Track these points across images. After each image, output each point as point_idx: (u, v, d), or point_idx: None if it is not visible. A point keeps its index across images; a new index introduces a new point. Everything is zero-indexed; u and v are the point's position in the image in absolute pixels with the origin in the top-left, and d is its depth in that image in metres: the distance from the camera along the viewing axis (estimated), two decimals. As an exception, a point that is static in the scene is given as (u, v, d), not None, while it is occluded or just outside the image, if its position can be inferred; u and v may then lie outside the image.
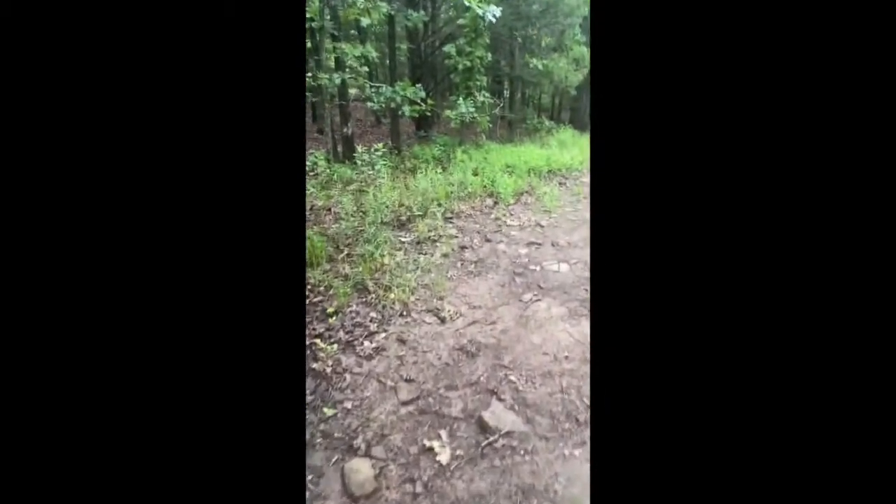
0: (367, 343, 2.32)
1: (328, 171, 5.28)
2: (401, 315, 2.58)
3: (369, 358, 2.22)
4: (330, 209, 4.20)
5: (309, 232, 3.56)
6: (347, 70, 5.18)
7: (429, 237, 3.61)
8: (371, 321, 2.51)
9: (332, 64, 5.85)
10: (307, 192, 4.58)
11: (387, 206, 4.04)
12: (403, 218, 3.97)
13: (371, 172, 4.99)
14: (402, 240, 3.58)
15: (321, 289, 2.75)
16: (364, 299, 2.70)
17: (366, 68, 5.98)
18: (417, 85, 5.73)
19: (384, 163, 4.83)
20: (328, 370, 2.12)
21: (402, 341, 2.35)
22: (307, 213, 4.12)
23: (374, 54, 5.09)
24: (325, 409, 1.86)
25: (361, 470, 1.59)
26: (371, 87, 5.61)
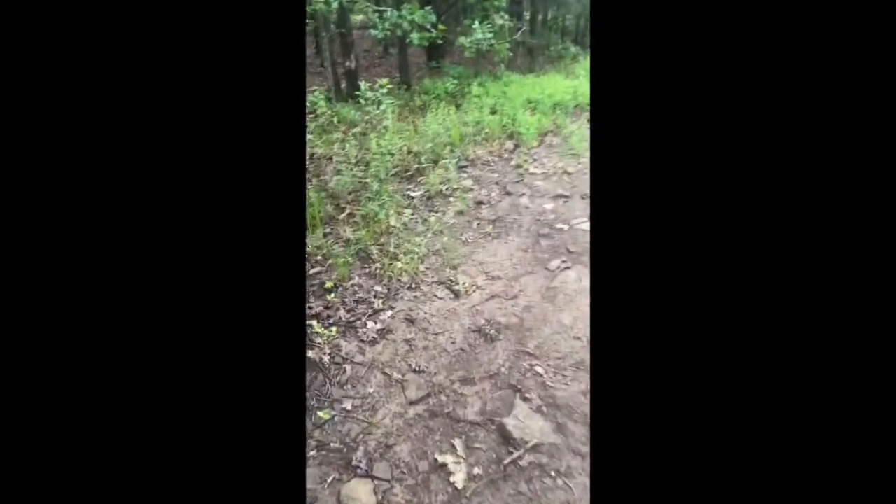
0: (370, 324, 2.03)
1: (329, 112, 4.78)
2: (409, 288, 2.26)
3: (373, 343, 1.94)
4: (331, 158, 3.79)
5: (309, 187, 3.19)
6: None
7: (440, 191, 3.21)
8: (375, 297, 2.20)
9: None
10: (307, 137, 4.15)
11: (392, 155, 3.60)
12: (412, 168, 3.54)
13: (377, 113, 4.48)
14: (411, 195, 3.19)
15: (319, 257, 2.43)
16: (367, 270, 2.38)
17: None
18: (427, 8, 5.02)
19: (390, 101, 4.30)
20: (325, 359, 1.84)
21: (410, 321, 2.05)
22: (307, 161, 3.72)
23: (375, -29, 4.37)
24: (321, 413, 1.60)
25: (360, 497, 1.34)
26: (374, 11, 4.94)
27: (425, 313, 2.10)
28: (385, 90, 4.33)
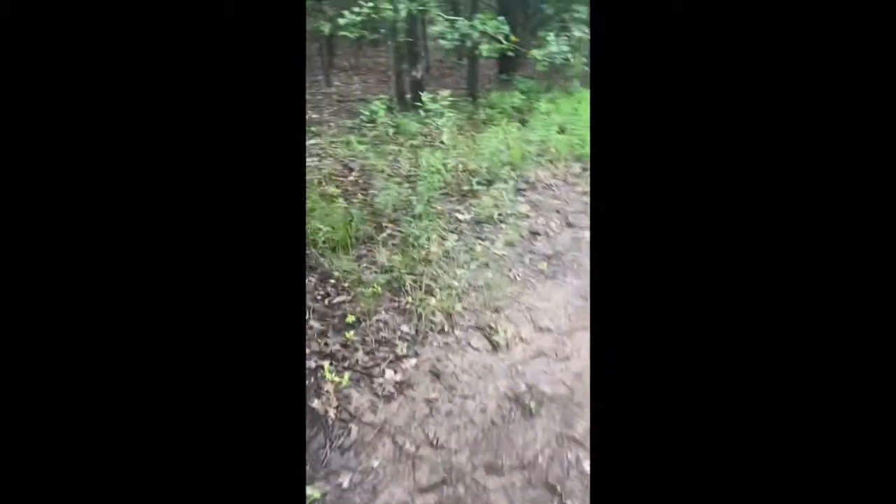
0: (389, 373, 1.74)
1: (388, 122, 4.63)
2: (441, 331, 1.95)
3: (388, 399, 1.64)
4: (382, 171, 3.58)
5: (353, 201, 2.99)
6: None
7: (493, 215, 2.88)
8: (401, 338, 1.91)
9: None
10: (360, 148, 3.99)
11: (443, 172, 3.33)
12: (465, 187, 3.24)
13: (436, 125, 4.25)
14: (459, 217, 2.89)
15: (347, 284, 2.18)
16: (397, 303, 2.10)
17: None
18: (501, 18, 4.74)
19: (451, 114, 4.05)
20: (331, 414, 1.57)
21: (435, 375, 1.74)
22: (357, 173, 3.55)
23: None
24: (312, 490, 1.32)
25: None
26: (445, 19, 4.74)
27: (455, 367, 1.78)
28: (447, 102, 4.10)
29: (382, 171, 3.55)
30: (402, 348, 1.85)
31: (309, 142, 4.45)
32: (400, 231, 2.58)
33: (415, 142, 4.24)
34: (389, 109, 4.93)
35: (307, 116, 5.68)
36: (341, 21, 4.03)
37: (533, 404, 1.61)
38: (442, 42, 4.76)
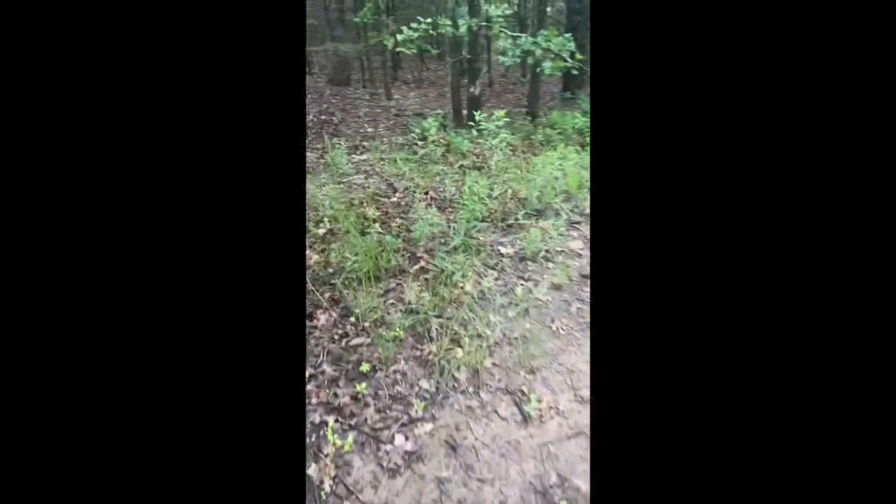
0: (399, 440, 1.52)
1: (439, 140, 4.47)
2: (463, 392, 1.71)
3: (393, 473, 1.42)
4: (427, 193, 3.41)
5: (392, 225, 2.82)
6: (481, 16, 4.16)
7: (539, 251, 2.60)
8: (418, 395, 1.68)
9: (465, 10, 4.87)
10: (407, 167, 3.85)
11: (492, 197, 3.09)
12: (511, 217, 2.99)
13: (489, 145, 4.03)
14: (502, 251, 2.63)
15: (367, 324, 2.00)
16: (419, 352, 1.88)
17: (505, 9, 4.88)
18: (567, 35, 4.47)
19: (505, 135, 3.82)
20: (326, 485, 1.37)
21: (452, 448, 1.50)
22: (400, 194, 3.40)
23: (511, -7, 3.96)
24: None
25: None
26: (507, 36, 4.54)
27: (475, 439, 1.52)
28: (501, 121, 3.87)
29: (427, 193, 3.38)
30: (417, 409, 1.62)
31: (360, 157, 4.39)
32: (434, 265, 2.37)
33: (465, 162, 4.05)
34: (442, 127, 4.79)
35: (363, 130, 5.69)
36: (399, 37, 3.94)
37: (566, 495, 1.32)
38: (502, 59, 4.56)
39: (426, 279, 2.31)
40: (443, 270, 2.30)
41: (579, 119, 5.14)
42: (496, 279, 2.35)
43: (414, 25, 3.89)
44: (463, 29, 4.01)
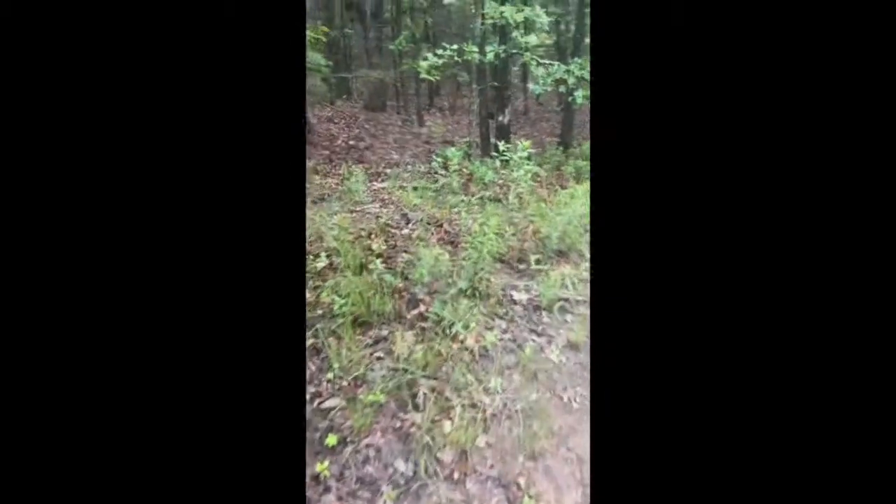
0: (357, 541, 1.23)
1: (461, 170, 4.26)
2: (446, 478, 1.41)
3: (342, 591, 1.12)
4: (441, 225, 3.18)
5: (398, 261, 2.59)
6: (510, 43, 3.98)
7: (557, 300, 2.28)
8: (391, 480, 1.40)
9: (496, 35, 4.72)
10: (422, 197, 3.65)
11: (509, 234, 2.82)
12: (529, 258, 2.69)
13: (515, 176, 3.78)
14: (514, 297, 2.34)
15: (346, 382, 1.74)
16: (400, 423, 1.60)
17: (543, 38, 4.69)
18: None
19: (529, 166, 3.55)
20: None
21: (421, 559, 1.19)
22: (413, 226, 3.18)
23: (543, 19, 3.76)
24: None
25: None
26: (538, 63, 4.33)
27: (452, 550, 1.21)
28: (525, 152, 3.62)
29: (440, 227, 3.14)
30: (387, 499, 1.33)
31: (379, 185, 4.23)
32: (435, 312, 2.10)
33: (487, 194, 3.80)
34: (467, 156, 4.59)
35: (388, 157, 5.58)
36: (423, 63, 3.81)
37: None
38: (532, 87, 4.35)
39: (423, 328, 2.04)
40: (441, 319, 2.03)
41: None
42: (503, 332, 2.05)
43: (439, 52, 3.75)
44: (490, 56, 3.83)
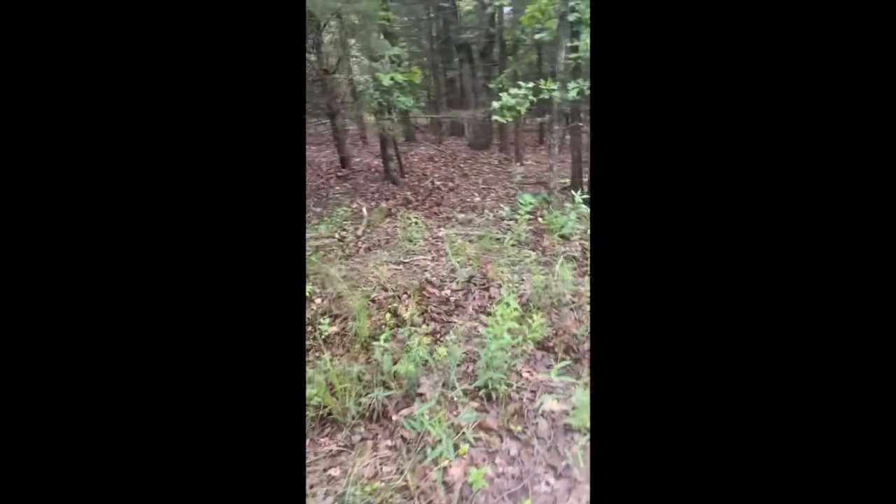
0: None
1: (532, 219, 3.74)
2: None
3: None
4: (488, 288, 2.71)
5: (417, 334, 2.20)
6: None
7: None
8: None
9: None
10: (491, 248, 3.21)
11: (572, 307, 2.23)
12: (582, 346, 2.08)
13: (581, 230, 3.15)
14: (545, 408, 1.76)
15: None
16: None
17: None
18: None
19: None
20: None
21: None
22: (453, 285, 2.77)
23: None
24: None
25: None
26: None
27: None
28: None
29: (486, 290, 2.67)
30: None
31: (446, 231, 3.91)
32: (413, 424, 1.63)
33: (563, 250, 3.23)
34: (545, 202, 4.05)
35: (469, 199, 5.27)
36: (496, 104, 3.44)
37: None
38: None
39: (404, 438, 1.59)
40: (423, 433, 1.56)
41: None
42: (508, 462, 1.50)
43: (514, 91, 3.36)
44: (573, 93, 3.31)
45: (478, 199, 5.25)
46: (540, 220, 3.78)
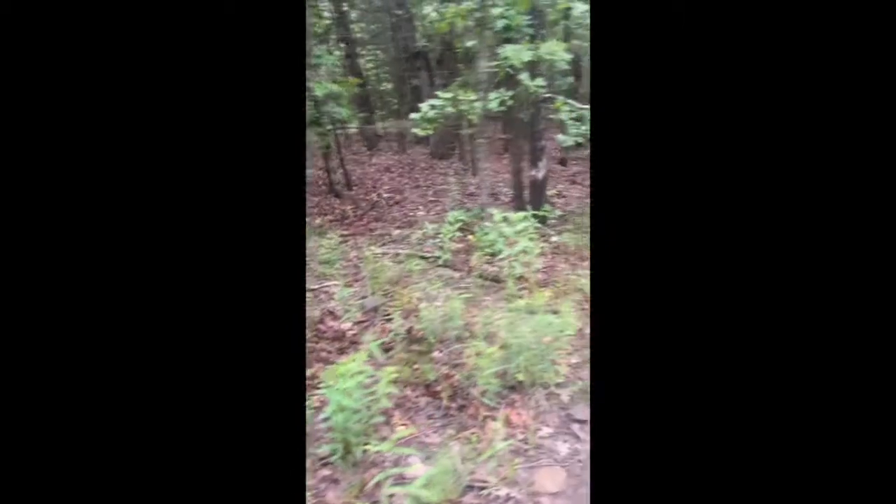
0: None
1: (470, 237, 3.54)
2: None
3: None
4: (391, 319, 2.48)
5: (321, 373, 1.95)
6: (521, 88, 3.23)
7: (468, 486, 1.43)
8: None
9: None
10: (414, 271, 2.99)
11: (476, 349, 2.02)
12: (475, 390, 1.86)
13: (517, 251, 2.95)
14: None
15: None
16: None
17: (539, 80, 3.94)
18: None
19: (528, 242, 2.70)
20: None
21: None
22: (349, 320, 2.54)
23: (562, 58, 2.97)
24: None
25: None
26: (570, 109, 3.51)
27: None
28: (520, 225, 2.79)
29: (389, 321, 2.44)
30: None
31: (375, 251, 3.66)
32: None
33: (492, 269, 3.02)
34: (479, 218, 3.85)
35: (412, 214, 5.05)
36: (413, 115, 3.24)
37: None
38: (560, 138, 3.53)
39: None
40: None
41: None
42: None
43: (433, 102, 3.16)
44: (494, 103, 3.12)
45: (422, 213, 5.03)
46: (470, 237, 3.58)
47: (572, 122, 3.44)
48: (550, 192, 5.60)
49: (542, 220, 4.30)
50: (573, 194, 5.70)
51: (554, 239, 3.92)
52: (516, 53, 2.89)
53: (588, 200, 5.25)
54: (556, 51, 2.91)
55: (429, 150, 9.26)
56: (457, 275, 3.12)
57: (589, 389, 1.68)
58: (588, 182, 6.65)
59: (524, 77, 2.98)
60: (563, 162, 7.19)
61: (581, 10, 3.13)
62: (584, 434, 1.65)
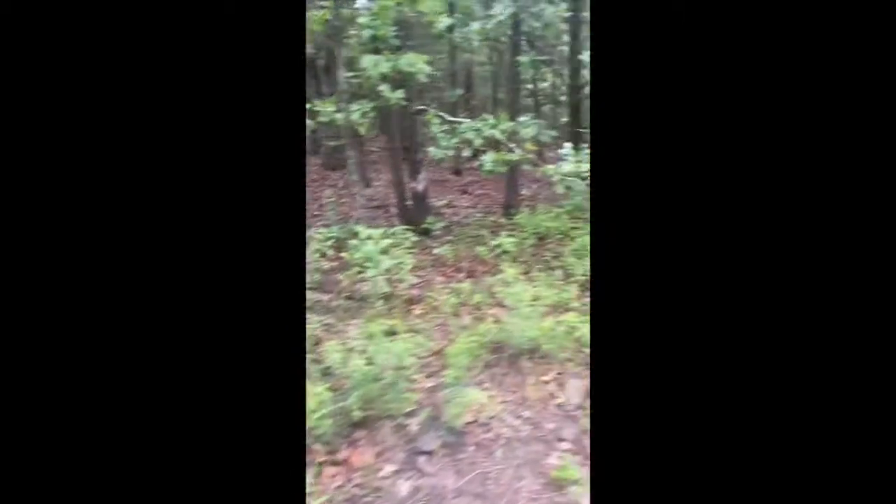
0: None
1: (344, 254, 3.36)
2: None
3: None
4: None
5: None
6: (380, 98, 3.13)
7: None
8: None
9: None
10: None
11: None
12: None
13: (383, 269, 2.82)
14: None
15: None
16: None
17: (399, 93, 3.99)
18: (526, 118, 3.35)
19: (387, 260, 2.59)
20: None
21: None
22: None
23: (424, 70, 2.92)
24: None
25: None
26: (444, 121, 3.49)
27: None
28: (382, 243, 2.68)
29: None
30: None
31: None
32: None
33: (364, 288, 2.85)
34: (352, 234, 3.69)
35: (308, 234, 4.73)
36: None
37: None
38: (432, 151, 3.49)
39: None
40: None
41: (546, 219, 3.85)
42: None
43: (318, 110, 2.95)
44: (356, 115, 3.00)
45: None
46: (345, 255, 3.40)
47: (443, 134, 3.42)
48: (440, 202, 5.62)
49: (426, 232, 4.26)
50: (462, 204, 5.75)
51: (436, 251, 3.88)
52: (374, 64, 2.78)
53: (474, 211, 5.35)
54: (415, 62, 2.85)
55: (321, 161, 8.90)
56: (326, 297, 2.92)
57: (438, 418, 1.63)
58: (478, 192, 6.80)
59: (384, 88, 2.88)
60: (457, 172, 7.26)
61: (475, 27, 3.10)
62: (431, 467, 1.55)
